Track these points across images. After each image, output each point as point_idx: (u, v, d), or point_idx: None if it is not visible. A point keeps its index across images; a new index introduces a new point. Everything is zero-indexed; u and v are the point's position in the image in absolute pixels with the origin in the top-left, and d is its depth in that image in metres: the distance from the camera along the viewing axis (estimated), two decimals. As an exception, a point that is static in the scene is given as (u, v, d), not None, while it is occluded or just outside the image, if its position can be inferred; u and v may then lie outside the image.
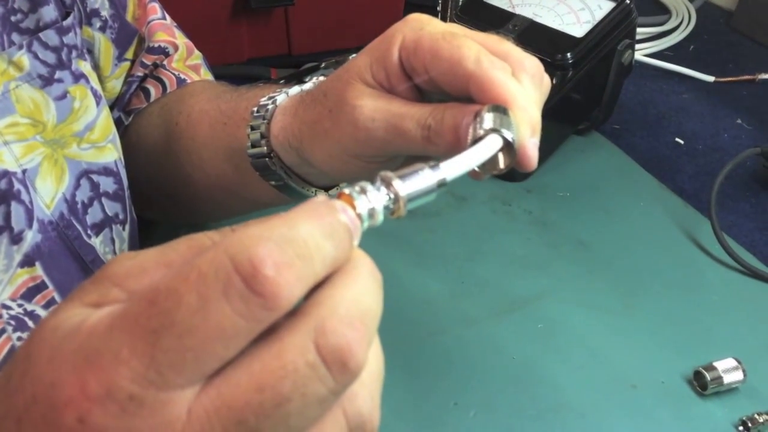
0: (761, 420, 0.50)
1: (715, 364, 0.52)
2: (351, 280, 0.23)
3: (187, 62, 0.62)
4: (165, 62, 0.60)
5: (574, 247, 0.66)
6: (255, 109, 0.45)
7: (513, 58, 0.36)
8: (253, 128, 0.44)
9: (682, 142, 0.81)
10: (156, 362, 0.20)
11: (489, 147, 0.31)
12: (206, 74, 0.64)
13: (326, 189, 0.48)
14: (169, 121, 0.55)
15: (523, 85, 0.35)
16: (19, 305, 0.42)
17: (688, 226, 0.68)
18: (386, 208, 0.25)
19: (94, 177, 0.47)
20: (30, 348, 0.23)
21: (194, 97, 0.56)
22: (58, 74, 0.45)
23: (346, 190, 0.25)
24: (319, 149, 0.41)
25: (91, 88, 0.48)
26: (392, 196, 0.25)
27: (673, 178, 0.75)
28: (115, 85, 0.57)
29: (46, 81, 0.44)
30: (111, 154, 0.49)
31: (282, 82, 0.82)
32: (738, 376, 0.52)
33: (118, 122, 0.56)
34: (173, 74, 0.60)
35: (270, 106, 0.44)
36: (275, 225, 0.21)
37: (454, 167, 0.28)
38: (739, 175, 0.75)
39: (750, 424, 0.50)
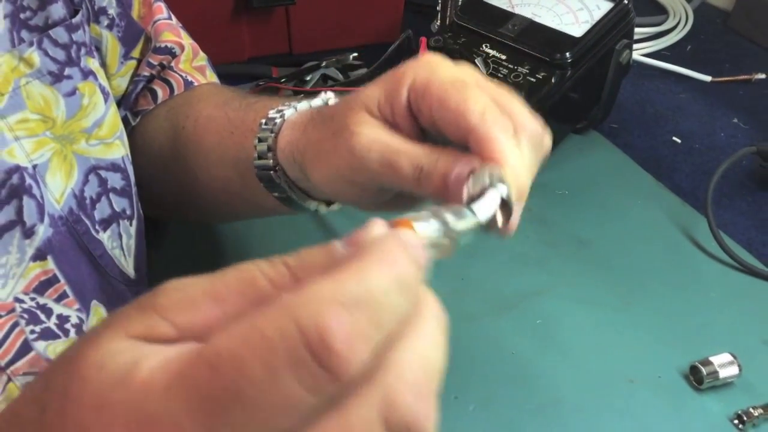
0: (756, 414, 0.51)
1: (711, 358, 0.53)
2: (418, 334, 0.22)
3: (193, 63, 0.62)
4: (172, 63, 0.61)
5: (573, 244, 0.67)
6: (263, 121, 0.45)
7: (516, 117, 0.36)
8: (260, 140, 0.45)
9: (679, 141, 0.82)
10: None
11: (493, 201, 0.32)
12: (211, 76, 0.64)
13: (327, 203, 0.48)
14: (176, 124, 0.56)
15: (521, 147, 0.35)
16: (32, 299, 0.42)
17: (685, 223, 0.69)
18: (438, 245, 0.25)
19: (102, 173, 0.48)
20: (68, 384, 0.22)
21: (202, 102, 0.57)
22: (67, 71, 0.46)
23: (415, 224, 0.25)
24: (318, 169, 0.42)
25: (100, 85, 0.48)
26: (447, 231, 0.26)
27: (670, 176, 0.76)
28: (121, 83, 0.58)
29: (56, 78, 0.45)
30: (118, 150, 0.50)
31: (283, 81, 0.83)
32: (733, 370, 0.53)
33: (124, 121, 0.57)
34: (180, 76, 0.61)
35: (278, 120, 0.45)
36: (344, 281, 0.20)
37: (480, 211, 0.30)
38: (735, 173, 0.76)
39: (745, 418, 0.51)
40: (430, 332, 0.22)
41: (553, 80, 0.71)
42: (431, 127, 0.38)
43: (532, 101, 0.71)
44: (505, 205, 0.32)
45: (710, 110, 0.87)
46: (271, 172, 0.45)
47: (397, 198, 0.42)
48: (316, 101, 0.46)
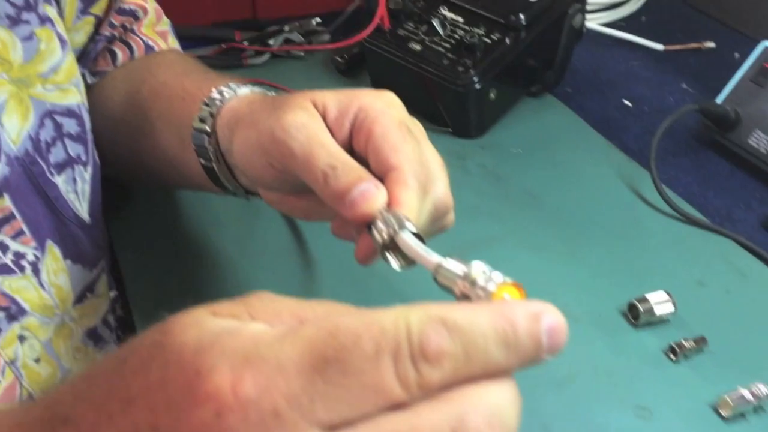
0: (688, 346, 0.54)
1: (648, 296, 0.56)
2: (504, 390, 0.23)
3: (155, 28, 0.64)
4: (134, 26, 0.62)
5: (524, 197, 0.70)
6: (216, 90, 0.47)
7: (436, 190, 0.39)
8: (207, 104, 0.47)
9: (630, 104, 0.85)
10: (314, 388, 0.21)
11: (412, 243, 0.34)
12: (173, 42, 0.65)
13: (246, 192, 0.50)
14: (132, 88, 0.57)
15: (424, 207, 0.38)
16: None
17: (631, 179, 0.73)
18: None
19: (58, 118, 0.49)
20: (159, 338, 0.23)
21: (161, 69, 0.58)
22: (24, 16, 0.47)
23: (508, 280, 0.27)
24: (242, 133, 0.43)
25: (57, 33, 0.50)
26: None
27: (619, 137, 0.79)
28: (75, 37, 0.58)
29: (13, 21, 0.46)
30: (74, 97, 0.51)
31: (245, 43, 0.84)
32: (669, 308, 0.56)
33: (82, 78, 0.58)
34: (142, 40, 0.62)
35: (227, 93, 0.47)
36: (457, 310, 0.23)
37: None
38: (680, 133, 0.79)
39: (678, 350, 0.54)
40: (511, 397, 0.23)
41: (507, 42, 0.74)
42: (360, 151, 0.40)
43: (486, 62, 0.75)
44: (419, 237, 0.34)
45: (661, 77, 0.90)
46: (205, 136, 0.46)
47: (297, 198, 0.44)
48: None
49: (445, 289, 0.30)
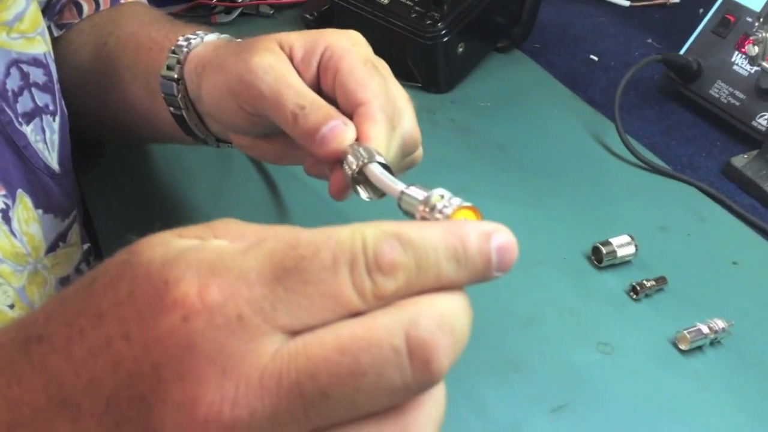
0: (649, 285, 0.56)
1: (611, 240, 0.58)
2: (456, 300, 0.24)
3: None
4: None
5: (493, 149, 0.71)
6: (182, 37, 0.47)
7: (404, 122, 0.40)
8: (173, 52, 0.47)
9: (596, 59, 0.86)
10: (275, 295, 0.22)
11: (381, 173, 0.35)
12: None
13: (217, 140, 0.50)
14: (99, 40, 0.57)
15: (393, 139, 0.39)
16: None
17: (597, 130, 0.74)
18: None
19: (24, 67, 0.49)
20: (127, 257, 0.24)
21: (127, 20, 0.58)
22: None
23: (465, 204, 0.28)
24: (210, 78, 0.43)
25: None
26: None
27: (586, 90, 0.81)
28: None
29: None
30: (40, 46, 0.51)
31: (215, 8, 0.84)
32: (630, 250, 0.58)
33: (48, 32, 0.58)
34: None
35: (195, 40, 0.47)
36: (411, 226, 0.24)
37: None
38: (645, 86, 0.81)
39: (639, 289, 0.56)
40: (463, 307, 0.24)
41: (474, -5, 0.75)
42: (328, 90, 0.40)
43: (454, 15, 0.75)
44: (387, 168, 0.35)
45: (627, 32, 0.92)
46: (174, 83, 0.47)
47: (268, 141, 0.45)
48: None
49: (408, 215, 0.32)
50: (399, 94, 0.40)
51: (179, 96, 0.47)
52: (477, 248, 0.24)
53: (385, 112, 0.38)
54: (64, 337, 0.24)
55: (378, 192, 0.36)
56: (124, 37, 0.55)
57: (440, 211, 0.29)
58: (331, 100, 0.40)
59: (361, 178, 0.36)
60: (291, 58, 0.41)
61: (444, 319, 0.23)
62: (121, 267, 0.24)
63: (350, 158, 0.36)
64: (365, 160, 0.35)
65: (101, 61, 0.56)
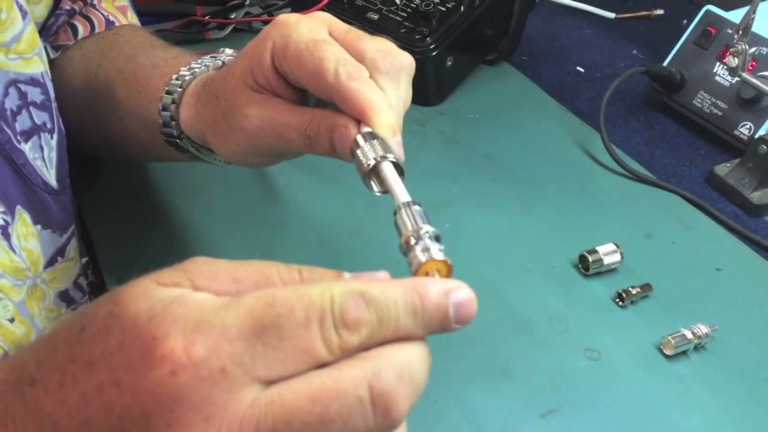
0: (634, 292, 0.57)
1: (597, 248, 0.60)
2: (414, 351, 0.26)
3: (115, 3, 0.64)
4: (94, 0, 0.63)
5: (481, 160, 0.73)
6: (166, 89, 0.48)
7: (368, 60, 0.38)
8: (164, 108, 0.48)
9: (582, 70, 0.88)
10: (254, 350, 0.24)
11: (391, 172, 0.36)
12: (132, 17, 0.66)
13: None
14: (89, 71, 0.58)
15: (381, 84, 0.38)
16: None
17: (583, 140, 0.76)
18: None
19: (22, 86, 0.50)
20: (112, 308, 0.26)
21: (114, 52, 0.58)
22: None
23: (438, 257, 0.30)
24: (221, 146, 0.45)
25: (17, 2, 0.51)
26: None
27: (572, 101, 0.82)
28: (35, 10, 0.59)
29: None
30: (37, 66, 0.52)
31: (209, 25, 0.85)
32: (616, 258, 0.59)
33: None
34: (102, 15, 0.63)
35: (178, 90, 0.47)
36: (375, 286, 0.26)
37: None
38: (630, 97, 0.83)
39: (625, 296, 0.57)
40: (422, 357, 0.27)
41: (462, 9, 0.76)
42: (302, 87, 0.40)
43: (442, 30, 0.77)
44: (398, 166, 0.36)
45: (612, 43, 0.94)
46: (177, 140, 0.48)
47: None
48: (217, 62, 0.49)
49: (396, 228, 0.33)
50: (349, 40, 0.40)
51: (188, 147, 0.49)
52: (435, 304, 0.27)
53: (356, 80, 0.37)
54: (56, 383, 0.26)
55: (385, 189, 0.37)
56: (113, 73, 0.56)
57: (416, 256, 0.31)
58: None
59: (374, 173, 0.36)
60: (260, 87, 0.42)
61: (404, 369, 0.26)
62: (108, 318, 0.26)
63: (366, 152, 0.36)
64: (379, 157, 0.36)
65: (94, 94, 0.57)
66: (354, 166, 0.37)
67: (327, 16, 0.42)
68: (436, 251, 0.31)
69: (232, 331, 0.24)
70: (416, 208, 0.33)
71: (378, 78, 0.39)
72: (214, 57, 0.50)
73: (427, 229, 0.32)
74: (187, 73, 0.48)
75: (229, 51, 0.50)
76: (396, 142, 0.37)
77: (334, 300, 0.25)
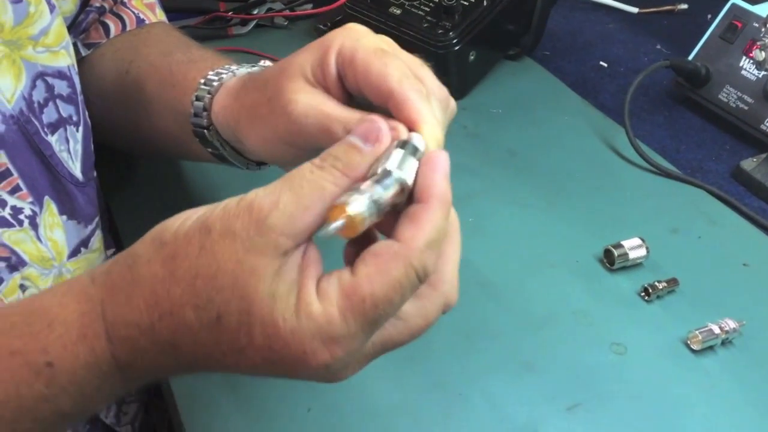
0: (660, 287, 0.57)
1: (623, 242, 0.59)
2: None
3: (144, 0, 0.65)
4: None
5: (504, 155, 0.73)
6: (203, 81, 0.48)
7: (427, 83, 0.41)
8: (198, 98, 0.48)
9: (605, 65, 0.87)
10: (369, 339, 0.34)
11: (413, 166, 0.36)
12: (161, 14, 0.67)
13: (257, 163, 0.51)
14: (120, 68, 0.59)
15: (432, 107, 0.40)
16: None
17: (607, 135, 0.75)
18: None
19: (49, 79, 0.51)
20: (247, 308, 0.32)
21: (147, 48, 0.59)
22: None
23: (348, 208, 0.32)
24: (254, 133, 0.45)
25: None
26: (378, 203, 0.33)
27: (596, 96, 0.82)
28: (63, 5, 0.59)
29: None
30: (64, 59, 0.52)
31: (231, 21, 0.86)
32: (642, 252, 0.59)
33: (74, 48, 0.59)
34: (133, 12, 0.63)
35: (216, 83, 0.48)
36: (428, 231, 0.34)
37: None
38: (655, 92, 0.82)
39: (651, 290, 0.57)
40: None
41: (484, 3, 0.76)
42: (356, 92, 0.41)
43: (465, 24, 0.76)
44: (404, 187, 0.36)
45: (635, 38, 0.93)
46: (205, 130, 0.49)
47: None
48: (255, 68, 0.49)
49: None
50: (413, 64, 0.41)
51: (214, 140, 0.49)
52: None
53: (416, 92, 0.38)
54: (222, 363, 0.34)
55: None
56: (145, 68, 0.56)
57: (354, 190, 0.33)
58: (361, 97, 0.41)
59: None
60: (316, 82, 0.42)
61: (455, 278, 0.37)
62: (241, 316, 0.32)
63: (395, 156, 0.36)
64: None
65: (125, 90, 0.57)
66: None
67: (391, 40, 0.43)
68: (358, 204, 0.32)
69: (359, 336, 0.32)
70: (402, 152, 0.35)
71: (432, 100, 0.40)
72: (254, 65, 0.50)
73: (386, 177, 0.33)
74: (225, 71, 0.49)
75: (268, 63, 0.50)
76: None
77: (418, 271, 0.33)
